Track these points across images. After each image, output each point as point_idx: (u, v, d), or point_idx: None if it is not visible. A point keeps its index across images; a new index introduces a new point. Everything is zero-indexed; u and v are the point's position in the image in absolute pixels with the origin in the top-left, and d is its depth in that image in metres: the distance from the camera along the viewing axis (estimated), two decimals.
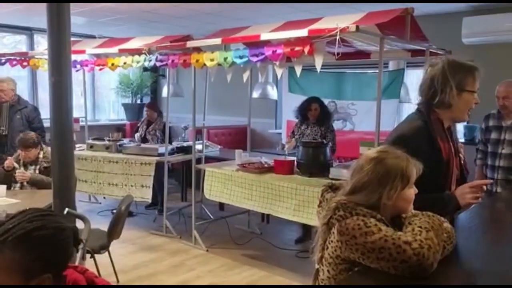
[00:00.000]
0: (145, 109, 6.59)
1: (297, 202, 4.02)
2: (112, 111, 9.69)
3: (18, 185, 4.22)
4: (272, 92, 5.38)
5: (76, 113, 8.03)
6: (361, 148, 3.81)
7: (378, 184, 1.73)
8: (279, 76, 4.23)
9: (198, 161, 5.78)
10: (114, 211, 4.26)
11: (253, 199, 4.39)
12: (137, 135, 6.54)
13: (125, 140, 6.48)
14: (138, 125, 6.68)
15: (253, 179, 4.39)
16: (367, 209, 1.71)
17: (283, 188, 4.12)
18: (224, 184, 4.67)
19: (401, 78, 5.77)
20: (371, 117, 5.63)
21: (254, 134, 7.97)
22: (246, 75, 4.71)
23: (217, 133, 7.93)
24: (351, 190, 1.77)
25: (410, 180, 1.76)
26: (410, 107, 6.69)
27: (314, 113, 5.08)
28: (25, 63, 6.33)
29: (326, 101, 5.58)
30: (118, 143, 6.04)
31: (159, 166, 5.64)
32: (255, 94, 5.49)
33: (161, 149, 5.64)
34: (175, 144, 6.24)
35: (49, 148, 3.46)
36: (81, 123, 6.85)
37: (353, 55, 5.03)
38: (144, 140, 6.42)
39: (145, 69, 8.38)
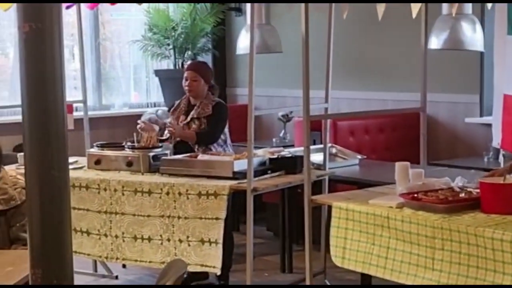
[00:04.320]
0: (185, 74, 6.75)
1: None
2: (134, 86, 9.98)
3: None
4: (474, 37, 5.32)
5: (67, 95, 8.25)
6: None
7: None
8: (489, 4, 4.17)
9: (316, 187, 5.84)
10: None
11: (435, 267, 4.39)
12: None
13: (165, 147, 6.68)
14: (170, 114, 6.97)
15: (436, 226, 4.39)
16: None
17: (504, 244, 4.09)
18: (373, 237, 4.70)
19: None
20: None
21: (437, 128, 7.93)
22: (417, 5, 4.71)
23: (354, 127, 7.99)
24: None
25: None
26: None
27: None
28: None
29: None
30: (151, 154, 6.23)
31: (233, 199, 5.80)
32: (435, 43, 5.44)
33: (238, 164, 5.79)
34: (263, 152, 6.35)
35: (13, 170, 3.58)
36: (75, 114, 7.19)
37: None
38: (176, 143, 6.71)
39: None
